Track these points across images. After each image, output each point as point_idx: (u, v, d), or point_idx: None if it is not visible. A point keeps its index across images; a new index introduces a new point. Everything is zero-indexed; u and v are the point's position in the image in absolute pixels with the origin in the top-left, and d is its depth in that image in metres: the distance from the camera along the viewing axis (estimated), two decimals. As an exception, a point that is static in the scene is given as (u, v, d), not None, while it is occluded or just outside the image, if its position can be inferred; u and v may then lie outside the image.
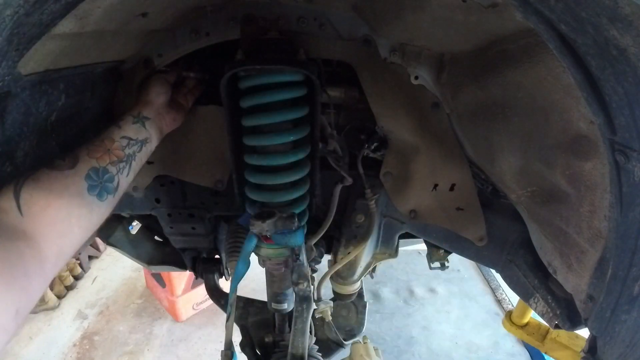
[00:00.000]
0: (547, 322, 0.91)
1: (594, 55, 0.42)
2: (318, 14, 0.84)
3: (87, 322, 2.80)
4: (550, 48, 0.47)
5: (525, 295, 0.96)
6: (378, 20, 0.81)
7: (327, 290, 1.68)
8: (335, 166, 1.00)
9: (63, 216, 0.56)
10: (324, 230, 1.10)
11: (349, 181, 1.02)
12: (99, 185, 0.63)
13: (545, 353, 2.17)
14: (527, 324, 2.22)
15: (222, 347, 0.95)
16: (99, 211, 0.64)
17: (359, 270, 1.45)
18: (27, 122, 0.61)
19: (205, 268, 1.42)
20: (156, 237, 1.44)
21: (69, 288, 3.03)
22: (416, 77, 0.86)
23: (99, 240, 3.08)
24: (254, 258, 0.96)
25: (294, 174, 0.90)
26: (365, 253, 1.33)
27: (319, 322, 1.44)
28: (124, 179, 0.70)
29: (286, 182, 0.91)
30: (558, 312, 0.84)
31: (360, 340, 1.69)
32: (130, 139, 0.73)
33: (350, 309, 1.64)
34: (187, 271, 1.46)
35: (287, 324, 1.29)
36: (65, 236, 0.56)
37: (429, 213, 1.06)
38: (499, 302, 3.14)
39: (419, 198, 1.03)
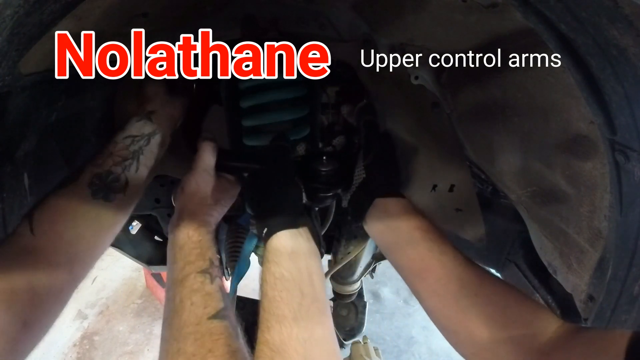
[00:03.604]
0: (547, 322, 0.91)
1: (594, 55, 0.42)
2: (318, 14, 0.84)
3: (87, 322, 2.79)
4: (550, 48, 0.47)
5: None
6: (378, 20, 0.81)
7: (327, 290, 1.68)
8: None
9: (70, 226, 0.59)
10: (324, 231, 1.10)
11: None
12: (102, 188, 0.65)
13: (545, 353, 2.17)
14: (527, 324, 2.22)
15: (222, 347, 0.95)
16: (109, 213, 0.66)
17: (359, 270, 1.45)
18: (27, 122, 0.61)
19: (205, 268, 1.42)
20: (156, 237, 1.44)
21: (69, 288, 3.03)
22: (416, 77, 0.86)
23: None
24: (254, 258, 0.96)
25: (293, 174, 0.90)
26: (365, 253, 1.33)
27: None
28: (133, 175, 0.70)
29: (286, 182, 0.91)
30: (558, 312, 0.84)
31: (360, 340, 1.69)
32: (135, 136, 0.73)
33: (350, 309, 1.64)
34: (187, 271, 1.46)
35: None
36: (76, 243, 0.59)
37: (428, 214, 1.05)
38: (499, 302, 3.14)
39: (418, 199, 1.02)
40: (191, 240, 0.66)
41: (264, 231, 0.62)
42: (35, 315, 0.51)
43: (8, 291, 0.49)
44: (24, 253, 0.54)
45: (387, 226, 0.70)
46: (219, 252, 1.39)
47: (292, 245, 0.59)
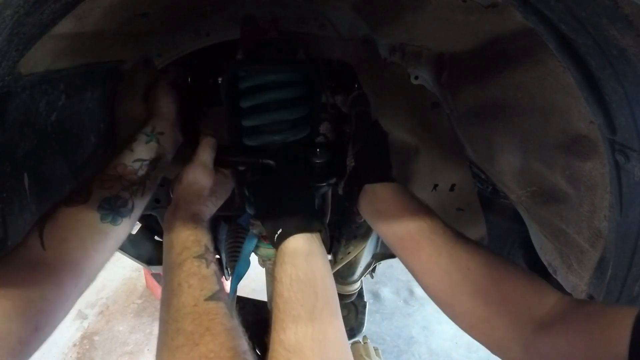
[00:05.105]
0: (547, 322, 0.90)
1: (594, 55, 0.42)
2: (318, 14, 0.84)
3: (87, 322, 2.79)
4: (550, 48, 0.47)
5: (525, 295, 0.96)
6: (378, 20, 0.81)
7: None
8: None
9: (78, 245, 0.63)
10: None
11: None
12: (111, 212, 0.68)
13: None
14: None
15: (222, 347, 0.95)
16: (114, 234, 0.69)
17: (359, 270, 1.45)
18: (27, 122, 0.61)
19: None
20: (156, 237, 1.44)
21: (69, 288, 3.02)
22: (416, 77, 0.86)
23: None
24: (254, 258, 0.96)
25: (293, 174, 0.90)
26: (365, 253, 1.33)
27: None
28: (139, 200, 0.74)
29: (286, 182, 0.91)
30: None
31: (360, 340, 1.70)
32: (143, 160, 0.76)
33: (350, 309, 1.64)
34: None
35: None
36: (82, 262, 0.63)
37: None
38: (499, 302, 3.14)
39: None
40: (187, 227, 0.69)
41: (278, 232, 0.63)
42: (45, 321, 0.56)
43: (24, 299, 0.53)
44: (35, 265, 0.57)
45: (377, 209, 0.72)
46: (219, 252, 1.40)
47: (308, 248, 0.61)
